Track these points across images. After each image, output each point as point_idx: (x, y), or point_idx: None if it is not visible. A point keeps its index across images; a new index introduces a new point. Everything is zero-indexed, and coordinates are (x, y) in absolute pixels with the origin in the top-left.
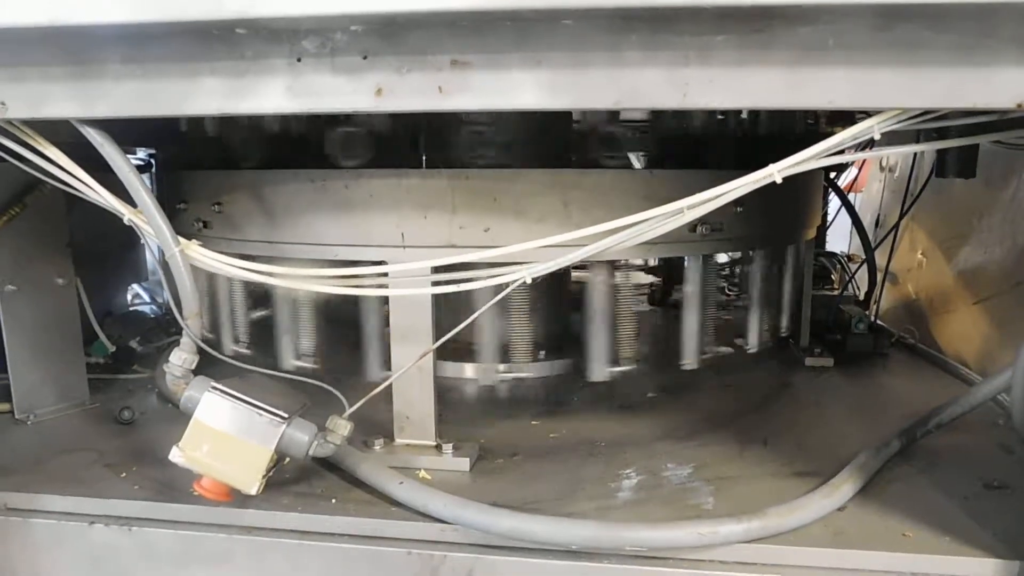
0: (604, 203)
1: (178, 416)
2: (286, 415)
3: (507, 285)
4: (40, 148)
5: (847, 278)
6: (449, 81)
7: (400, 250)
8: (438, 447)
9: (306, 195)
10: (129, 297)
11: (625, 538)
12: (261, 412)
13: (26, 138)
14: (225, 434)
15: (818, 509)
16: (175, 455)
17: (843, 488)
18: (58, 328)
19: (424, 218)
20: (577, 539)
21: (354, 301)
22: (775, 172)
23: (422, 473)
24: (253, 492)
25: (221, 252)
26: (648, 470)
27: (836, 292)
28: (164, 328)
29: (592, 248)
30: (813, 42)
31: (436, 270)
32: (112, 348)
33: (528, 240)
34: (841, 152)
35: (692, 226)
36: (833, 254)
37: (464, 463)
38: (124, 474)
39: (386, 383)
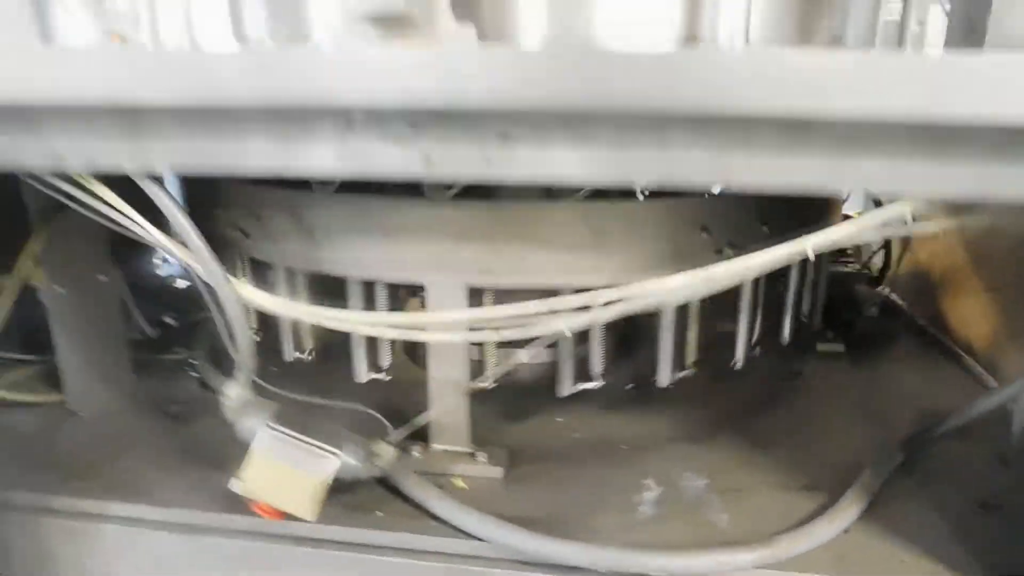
0: (639, 232)
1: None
2: (338, 450)
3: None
4: (96, 191)
5: (866, 255)
6: (496, 154)
7: (437, 273)
8: (472, 455)
9: (344, 218)
10: (157, 261)
11: (649, 565)
12: (315, 447)
13: (83, 182)
14: (282, 466)
15: (824, 534)
16: (235, 485)
17: (848, 511)
18: (102, 320)
19: (460, 245)
20: (605, 563)
21: None
22: (808, 248)
23: (459, 481)
24: (311, 519)
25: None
26: (667, 480)
27: (852, 266)
28: (195, 300)
29: (631, 299)
30: (852, 136)
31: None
32: (153, 334)
33: (562, 270)
34: None
35: (718, 248)
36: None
37: (497, 471)
38: (181, 478)
39: (425, 415)
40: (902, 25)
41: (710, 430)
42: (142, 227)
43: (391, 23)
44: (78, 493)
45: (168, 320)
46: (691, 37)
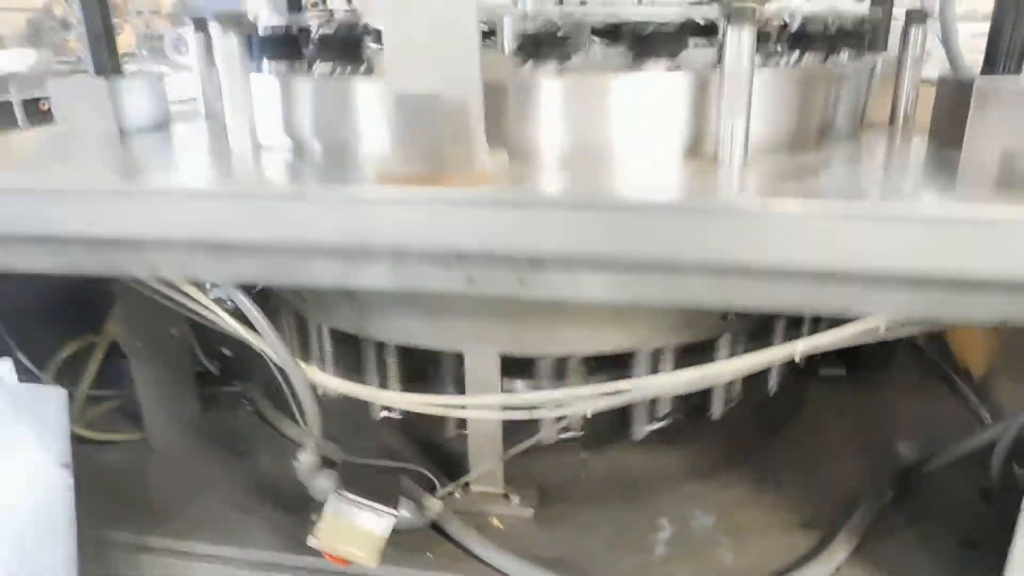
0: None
1: (280, 444)
2: (395, 510)
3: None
4: (187, 291)
5: None
6: (529, 277)
7: (474, 344)
8: (506, 496)
9: (393, 294)
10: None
11: None
12: (377, 508)
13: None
14: (351, 525)
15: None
16: (312, 541)
17: (839, 553)
18: (175, 367)
19: (495, 319)
20: None
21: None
22: (797, 352)
23: (494, 520)
24: (374, 567)
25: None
26: (679, 518)
27: None
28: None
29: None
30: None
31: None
32: (215, 370)
33: (585, 341)
34: None
35: (724, 315)
36: None
37: (528, 512)
38: (257, 519)
39: (465, 478)
40: (893, 110)
41: (719, 464)
42: (220, 317)
43: (435, 160)
44: (170, 532)
45: (225, 352)
46: (696, 146)
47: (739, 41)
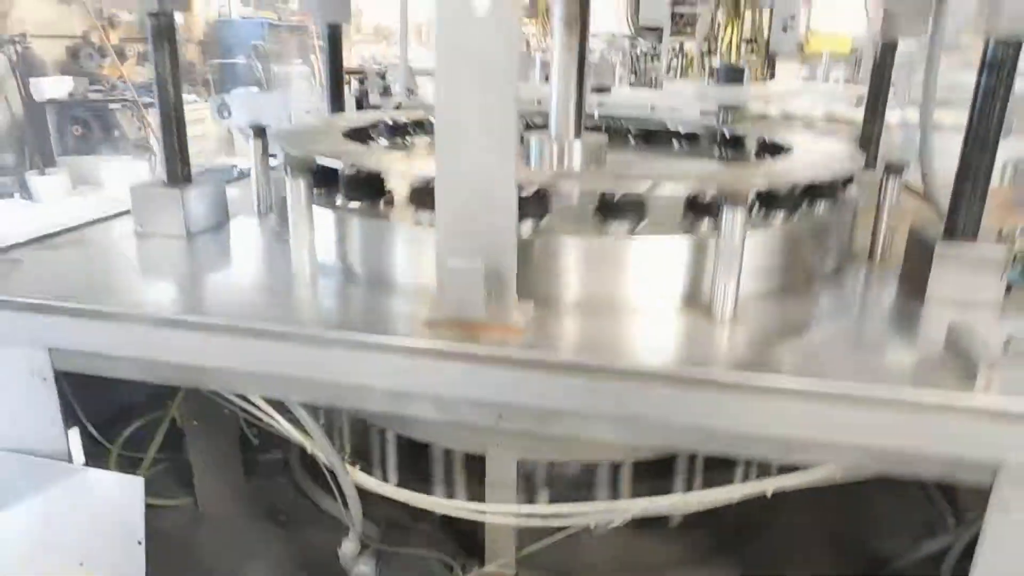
0: None
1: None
2: None
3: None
4: (254, 401)
5: None
6: (548, 421)
7: (495, 448)
8: None
9: None
10: None
11: None
12: None
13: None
14: None
15: None
16: None
17: None
18: (225, 442)
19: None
20: None
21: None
22: (768, 491)
23: None
24: None
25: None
26: None
27: None
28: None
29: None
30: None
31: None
32: (255, 439)
33: (589, 451)
34: None
35: None
36: None
37: None
38: None
39: (483, 571)
40: (872, 246)
41: (709, 555)
42: (276, 421)
43: (473, 315)
44: None
45: None
46: (692, 296)
47: (733, 220)
